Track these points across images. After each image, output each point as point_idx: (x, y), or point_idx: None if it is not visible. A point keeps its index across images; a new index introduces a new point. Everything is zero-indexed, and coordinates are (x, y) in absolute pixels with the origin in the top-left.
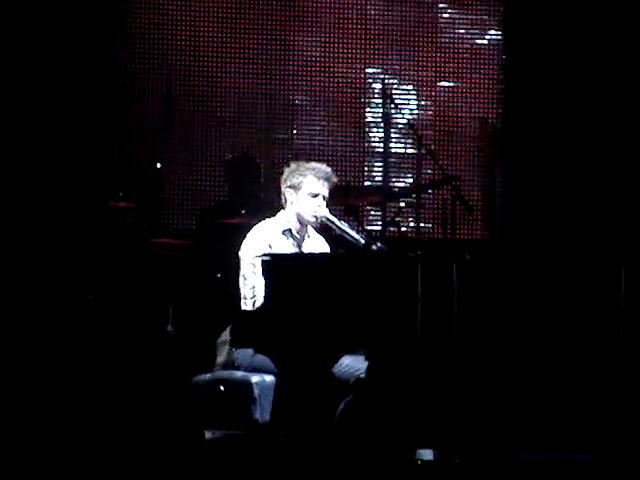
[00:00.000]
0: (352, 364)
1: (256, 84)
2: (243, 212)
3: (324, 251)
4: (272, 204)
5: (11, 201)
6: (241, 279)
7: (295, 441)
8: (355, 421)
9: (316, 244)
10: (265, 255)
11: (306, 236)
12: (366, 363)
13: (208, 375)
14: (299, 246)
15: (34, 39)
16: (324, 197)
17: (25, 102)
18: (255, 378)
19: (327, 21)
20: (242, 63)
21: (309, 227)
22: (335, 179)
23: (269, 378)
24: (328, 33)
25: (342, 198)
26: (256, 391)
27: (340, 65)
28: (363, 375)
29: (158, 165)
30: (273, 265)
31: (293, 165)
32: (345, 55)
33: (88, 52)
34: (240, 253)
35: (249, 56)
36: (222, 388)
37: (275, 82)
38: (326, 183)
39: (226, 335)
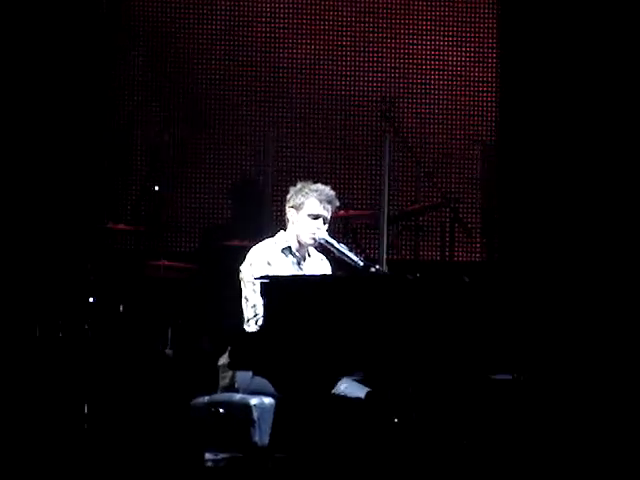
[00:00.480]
0: (350, 390)
1: (257, 105)
2: (237, 240)
3: (325, 271)
4: (272, 226)
5: (10, 223)
6: (243, 300)
7: (294, 463)
8: (355, 444)
9: (316, 263)
10: (263, 277)
11: (306, 255)
12: (363, 389)
13: (207, 398)
14: (299, 264)
15: (32, 52)
16: (325, 219)
17: (23, 121)
18: (254, 400)
19: (328, 43)
20: (245, 84)
21: (310, 247)
22: (337, 202)
23: (268, 400)
24: (330, 54)
25: (341, 220)
26: (255, 413)
27: (340, 87)
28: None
29: (156, 187)
30: (271, 287)
31: (298, 185)
32: (344, 78)
33: (89, 72)
34: (241, 274)
35: (251, 76)
36: (222, 411)
37: (275, 102)
38: (328, 206)
39: (223, 359)
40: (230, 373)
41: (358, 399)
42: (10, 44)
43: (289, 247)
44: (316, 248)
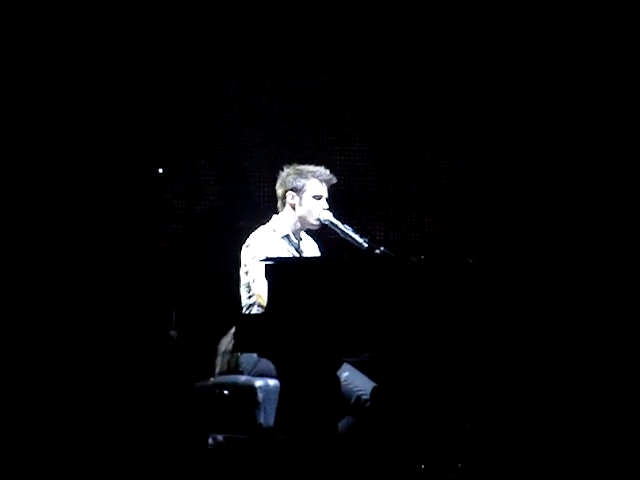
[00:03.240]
0: (351, 379)
1: (254, 93)
2: (241, 223)
3: (316, 254)
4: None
5: (11, 206)
6: (241, 284)
7: (298, 445)
8: (358, 440)
9: (310, 246)
10: (268, 259)
11: (300, 240)
12: (364, 379)
13: (212, 380)
14: (297, 251)
15: (32, 34)
16: (327, 199)
17: (23, 104)
18: (259, 382)
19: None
20: (243, 71)
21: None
22: (335, 180)
23: (273, 382)
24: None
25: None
26: (260, 395)
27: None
28: (363, 395)
29: (160, 170)
30: (276, 269)
31: (290, 168)
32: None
33: (88, 50)
34: (241, 258)
35: (249, 62)
36: (226, 392)
37: (271, 90)
38: (327, 185)
39: (223, 344)
40: (224, 359)
41: (360, 391)
42: (22, 31)
43: (287, 235)
44: (315, 232)
